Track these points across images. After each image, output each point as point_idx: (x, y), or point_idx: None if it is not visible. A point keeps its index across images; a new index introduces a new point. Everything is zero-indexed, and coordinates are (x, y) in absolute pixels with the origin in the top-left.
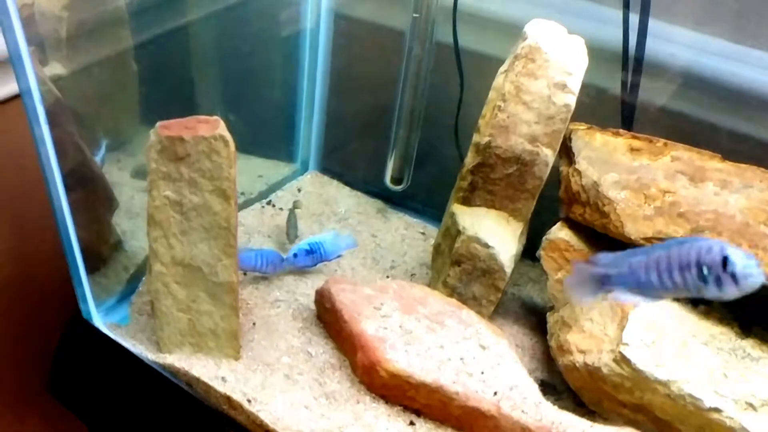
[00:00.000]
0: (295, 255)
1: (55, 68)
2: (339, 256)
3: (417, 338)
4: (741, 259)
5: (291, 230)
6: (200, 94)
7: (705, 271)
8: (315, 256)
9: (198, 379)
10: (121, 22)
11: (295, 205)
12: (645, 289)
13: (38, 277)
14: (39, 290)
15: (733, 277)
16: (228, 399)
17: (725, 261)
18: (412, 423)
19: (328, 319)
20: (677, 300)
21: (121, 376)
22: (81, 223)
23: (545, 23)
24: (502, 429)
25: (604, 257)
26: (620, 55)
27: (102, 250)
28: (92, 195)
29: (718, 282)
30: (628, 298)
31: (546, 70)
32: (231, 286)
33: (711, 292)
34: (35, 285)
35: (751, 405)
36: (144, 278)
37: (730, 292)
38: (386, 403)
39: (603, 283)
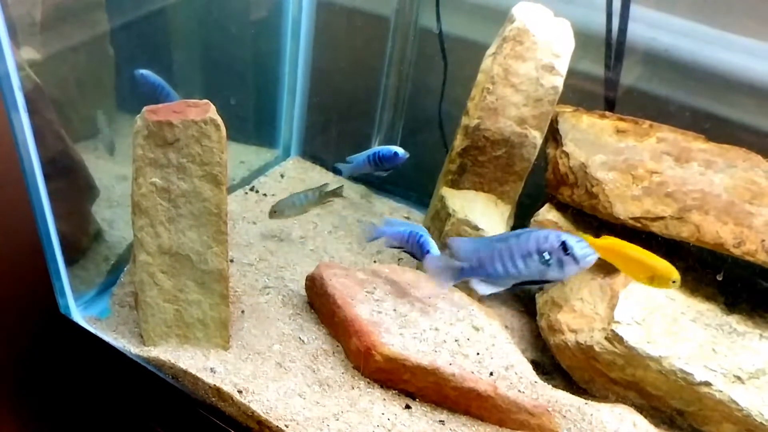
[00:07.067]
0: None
1: (29, 53)
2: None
3: (411, 321)
4: (577, 243)
5: (291, 199)
6: (179, 79)
7: (546, 256)
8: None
9: (185, 372)
10: (97, 5)
11: (333, 191)
12: (494, 278)
13: (12, 271)
14: (12, 285)
15: (574, 258)
16: (218, 390)
17: (564, 246)
18: (408, 406)
19: (320, 305)
20: None
21: (102, 372)
22: (60, 213)
23: (532, 6)
24: (499, 409)
25: (461, 246)
26: (603, 39)
27: (81, 241)
28: (72, 184)
29: (560, 264)
30: (481, 288)
31: (534, 52)
32: (221, 273)
33: (553, 274)
34: (8, 279)
35: (738, 378)
36: (126, 269)
37: (571, 271)
38: (381, 387)
39: (460, 273)
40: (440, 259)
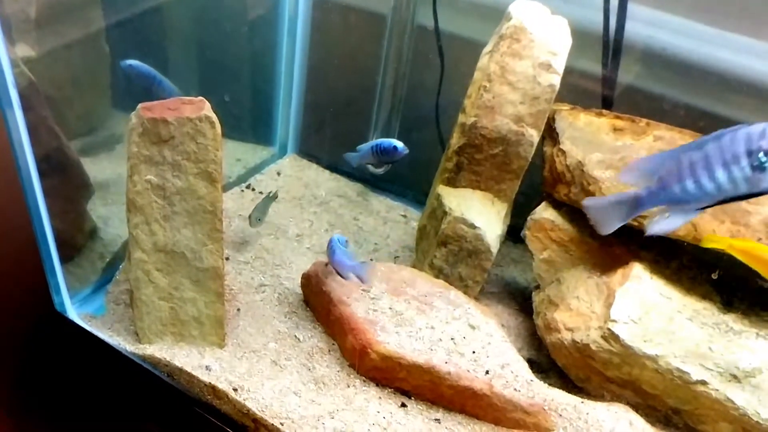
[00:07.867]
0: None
1: (24, 50)
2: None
3: (407, 320)
4: None
5: (255, 212)
6: (175, 76)
7: (763, 158)
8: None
9: (181, 370)
10: (93, 2)
11: (273, 195)
12: (682, 202)
13: (6, 269)
14: (7, 282)
15: None
16: (213, 389)
17: None
18: (403, 405)
19: (316, 303)
20: (662, 277)
21: (97, 369)
22: (55, 210)
23: (529, 4)
24: (495, 407)
25: (638, 165)
26: (600, 37)
27: (76, 239)
28: (67, 181)
29: None
30: (657, 227)
31: (531, 50)
32: (216, 271)
33: None
34: (3, 276)
35: (735, 377)
36: (121, 266)
37: None
38: (377, 385)
39: (633, 207)
40: (604, 199)
